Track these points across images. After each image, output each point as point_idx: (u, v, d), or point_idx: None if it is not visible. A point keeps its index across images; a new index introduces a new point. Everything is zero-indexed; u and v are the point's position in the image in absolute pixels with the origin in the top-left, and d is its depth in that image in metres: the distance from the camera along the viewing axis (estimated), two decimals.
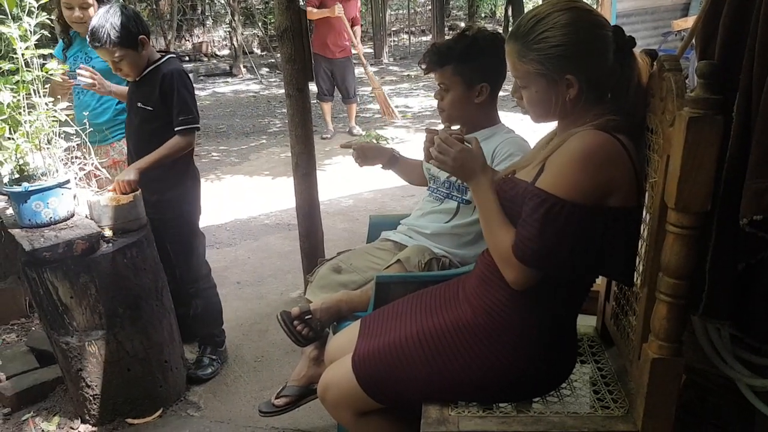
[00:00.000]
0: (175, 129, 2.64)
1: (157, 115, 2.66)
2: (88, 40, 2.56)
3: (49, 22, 2.42)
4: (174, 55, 2.78)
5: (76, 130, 2.50)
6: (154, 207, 2.71)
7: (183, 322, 2.83)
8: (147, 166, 2.61)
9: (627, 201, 1.45)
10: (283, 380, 2.39)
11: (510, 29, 1.57)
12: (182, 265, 2.87)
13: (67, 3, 2.98)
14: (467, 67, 2.15)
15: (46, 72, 2.39)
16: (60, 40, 3.20)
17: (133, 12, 2.62)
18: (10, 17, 2.25)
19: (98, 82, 2.78)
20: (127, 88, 2.89)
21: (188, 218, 2.86)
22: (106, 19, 2.51)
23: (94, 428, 2.52)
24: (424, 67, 2.24)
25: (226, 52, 14.61)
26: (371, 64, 13.00)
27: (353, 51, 7.35)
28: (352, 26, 7.33)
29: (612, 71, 1.49)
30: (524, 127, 2.34)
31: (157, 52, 2.74)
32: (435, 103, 2.31)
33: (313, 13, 6.73)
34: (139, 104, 2.68)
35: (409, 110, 8.76)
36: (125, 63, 2.59)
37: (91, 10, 2.98)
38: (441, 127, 1.77)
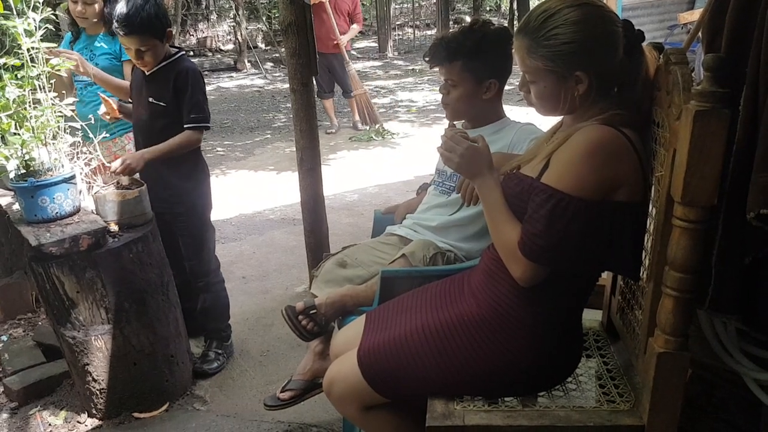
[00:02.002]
0: (185, 126, 2.65)
1: (170, 111, 2.67)
2: (115, 26, 2.53)
3: (54, 17, 2.42)
4: (184, 52, 2.78)
5: (81, 125, 2.51)
6: (167, 201, 2.74)
7: (189, 316, 2.84)
8: (153, 157, 2.62)
9: (633, 195, 1.44)
10: (288, 374, 2.39)
11: (518, 23, 1.56)
12: (193, 259, 2.88)
13: None
14: (477, 64, 2.14)
15: (51, 67, 2.39)
16: (68, 33, 3.21)
17: (162, 3, 2.64)
18: (15, 13, 2.25)
19: (78, 62, 2.78)
20: (114, 78, 2.94)
21: (200, 212, 2.87)
22: (142, 7, 2.50)
23: (101, 422, 2.53)
24: (428, 60, 2.23)
25: (230, 46, 14.60)
26: (375, 58, 13.03)
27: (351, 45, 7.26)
28: (352, 22, 7.22)
29: (621, 67, 1.48)
30: (530, 121, 2.33)
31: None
32: (439, 97, 2.29)
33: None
34: (150, 99, 2.68)
35: (413, 104, 8.76)
36: (150, 54, 2.60)
37: (95, 7, 2.98)
38: (446, 122, 1.77)
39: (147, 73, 2.68)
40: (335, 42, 6.97)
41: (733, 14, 1.50)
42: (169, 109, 2.67)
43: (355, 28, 7.39)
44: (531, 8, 1.99)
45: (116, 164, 2.56)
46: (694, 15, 4.68)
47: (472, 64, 2.13)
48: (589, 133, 1.44)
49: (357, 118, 7.50)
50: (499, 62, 2.17)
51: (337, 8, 7.04)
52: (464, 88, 2.17)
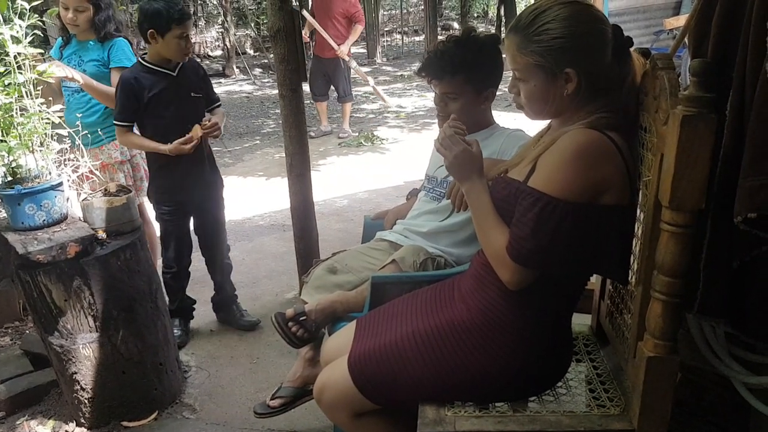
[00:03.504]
0: (216, 105, 3.09)
1: (203, 99, 3.01)
2: (177, 17, 2.73)
3: (41, 23, 2.41)
4: None
5: (69, 132, 2.49)
6: (214, 183, 3.11)
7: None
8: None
9: (620, 199, 1.45)
10: (278, 381, 2.38)
11: (507, 25, 1.58)
12: (224, 232, 3.23)
13: (64, 3, 2.97)
14: (478, 76, 2.14)
15: (39, 74, 2.38)
16: (59, 38, 3.19)
17: None
18: (1, 19, 2.24)
19: (63, 71, 2.81)
20: (102, 85, 2.99)
21: None
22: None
23: (89, 431, 2.51)
24: (424, 75, 2.20)
25: (218, 52, 14.57)
26: (363, 64, 13.04)
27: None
28: (351, 22, 7.08)
29: (610, 68, 1.49)
30: (517, 127, 2.34)
31: None
32: (428, 102, 2.30)
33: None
34: (192, 94, 2.93)
35: (402, 110, 8.76)
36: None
37: (85, 15, 2.98)
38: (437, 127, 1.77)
39: (176, 74, 2.87)
40: (329, 47, 6.94)
41: (719, 19, 1.51)
42: (203, 97, 2.99)
43: (358, 28, 7.18)
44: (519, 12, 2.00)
45: (210, 123, 2.84)
46: (680, 20, 4.71)
47: (473, 76, 2.13)
48: (576, 136, 1.45)
49: (346, 125, 7.48)
50: (495, 71, 2.18)
51: (330, 13, 6.96)
52: (465, 100, 2.16)
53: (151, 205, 3.11)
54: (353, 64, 7.19)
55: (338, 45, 6.94)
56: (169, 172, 2.93)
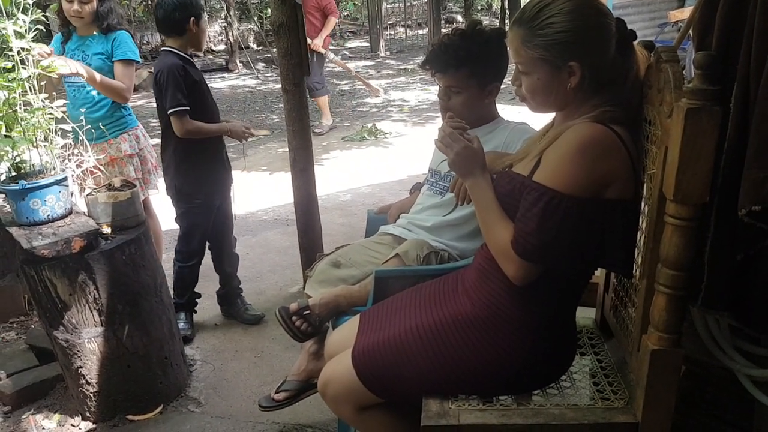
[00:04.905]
0: None
1: None
2: (202, 2, 2.84)
3: (44, 18, 2.41)
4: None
5: (72, 127, 2.50)
6: (230, 176, 3.21)
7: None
8: None
9: (625, 192, 1.45)
10: (283, 375, 2.39)
11: (513, 17, 1.57)
12: (232, 224, 3.33)
13: None
14: (482, 70, 2.12)
15: (42, 69, 2.38)
16: (59, 33, 3.19)
17: None
18: (4, 14, 2.24)
19: (68, 65, 2.81)
20: (107, 78, 2.99)
21: None
22: None
23: (95, 425, 2.53)
24: (428, 68, 2.19)
25: (221, 47, 14.56)
26: (367, 58, 13.04)
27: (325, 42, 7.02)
28: (325, 15, 6.96)
29: (613, 61, 1.49)
30: (523, 120, 2.33)
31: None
32: (432, 96, 2.30)
33: None
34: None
35: (406, 104, 8.75)
36: None
37: (90, 6, 2.97)
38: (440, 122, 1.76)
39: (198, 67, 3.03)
40: (308, 44, 6.85)
41: (724, 12, 1.50)
42: None
43: (332, 20, 7.06)
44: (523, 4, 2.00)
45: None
46: (685, 13, 4.70)
47: (478, 70, 2.12)
48: (580, 130, 1.44)
49: (327, 119, 7.41)
50: (500, 65, 2.17)
51: (304, 8, 6.81)
52: (468, 94, 2.15)
53: (173, 202, 3.13)
54: (330, 55, 7.09)
55: (312, 39, 6.77)
56: (202, 166, 3.02)
